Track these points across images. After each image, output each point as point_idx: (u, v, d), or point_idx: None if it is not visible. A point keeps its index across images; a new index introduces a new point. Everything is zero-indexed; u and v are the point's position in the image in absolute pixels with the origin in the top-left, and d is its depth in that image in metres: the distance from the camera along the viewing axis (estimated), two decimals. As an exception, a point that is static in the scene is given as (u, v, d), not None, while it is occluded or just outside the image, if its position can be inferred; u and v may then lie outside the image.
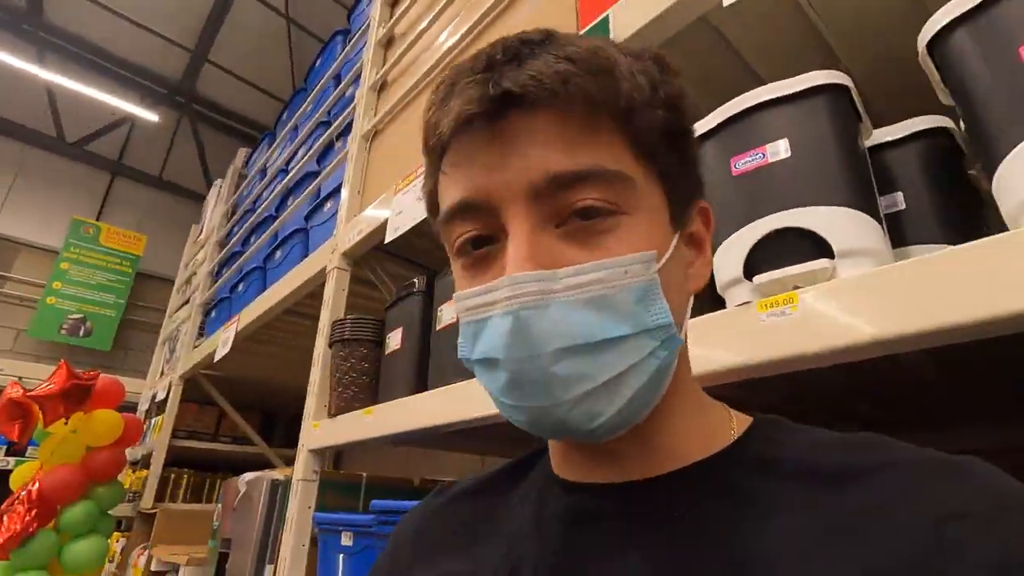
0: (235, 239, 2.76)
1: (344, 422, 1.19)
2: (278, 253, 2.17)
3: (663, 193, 0.36)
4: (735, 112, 0.60)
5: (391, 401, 1.05)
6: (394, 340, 1.16)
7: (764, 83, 0.88)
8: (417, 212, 1.16)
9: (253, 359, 2.61)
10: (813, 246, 0.52)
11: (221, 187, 3.73)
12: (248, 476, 1.63)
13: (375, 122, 1.61)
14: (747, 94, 0.60)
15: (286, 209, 2.28)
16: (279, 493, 1.56)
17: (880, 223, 0.53)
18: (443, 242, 0.39)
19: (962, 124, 0.54)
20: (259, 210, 2.52)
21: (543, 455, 0.44)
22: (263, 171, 2.92)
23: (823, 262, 0.51)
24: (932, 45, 0.51)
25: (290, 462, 2.87)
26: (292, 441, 3.13)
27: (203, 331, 3.04)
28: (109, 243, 4.72)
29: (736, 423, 0.38)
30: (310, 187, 2.01)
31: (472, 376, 0.90)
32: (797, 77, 0.57)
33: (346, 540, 1.10)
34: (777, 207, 0.55)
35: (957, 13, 0.48)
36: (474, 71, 0.34)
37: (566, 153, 0.33)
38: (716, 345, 0.56)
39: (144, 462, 2.99)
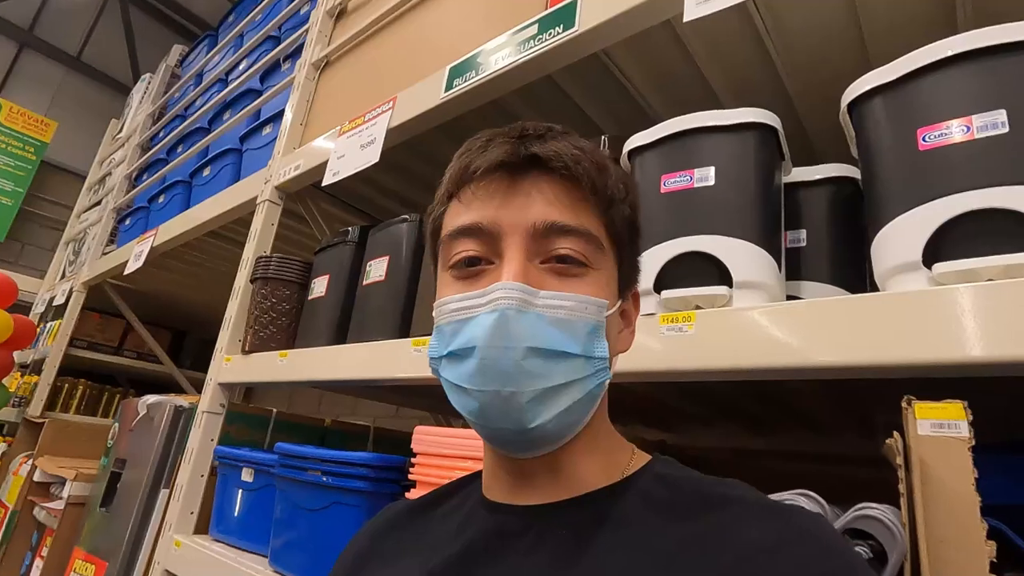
0: (160, 145, 2.56)
1: (257, 361, 1.18)
2: (207, 170, 2.05)
3: (616, 268, 0.45)
4: (675, 131, 0.63)
5: (309, 348, 1.05)
6: (319, 286, 1.14)
7: (717, 98, 0.91)
8: (361, 159, 1.13)
9: (169, 275, 2.48)
10: (717, 273, 0.57)
11: (150, 83, 3.41)
12: (151, 399, 1.59)
13: (328, 51, 1.53)
14: (688, 116, 0.63)
15: (221, 124, 2.14)
16: (182, 420, 1.53)
17: (779, 260, 0.58)
18: (436, 257, 0.48)
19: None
20: (191, 119, 2.34)
21: (476, 479, 0.52)
22: (199, 76, 2.69)
23: (723, 289, 0.56)
24: (852, 105, 0.56)
25: (198, 386, 2.79)
26: (202, 364, 3.04)
27: (114, 238, 2.84)
28: (11, 124, 4.20)
29: (635, 461, 0.46)
30: (250, 106, 1.89)
31: (390, 336, 0.92)
32: (735, 110, 0.61)
33: (247, 476, 1.11)
34: (693, 231, 0.59)
35: (877, 83, 0.52)
36: (508, 136, 0.44)
37: (563, 211, 0.42)
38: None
39: (35, 368, 2.81)
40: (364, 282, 1.02)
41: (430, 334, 0.85)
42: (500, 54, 0.94)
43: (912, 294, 0.46)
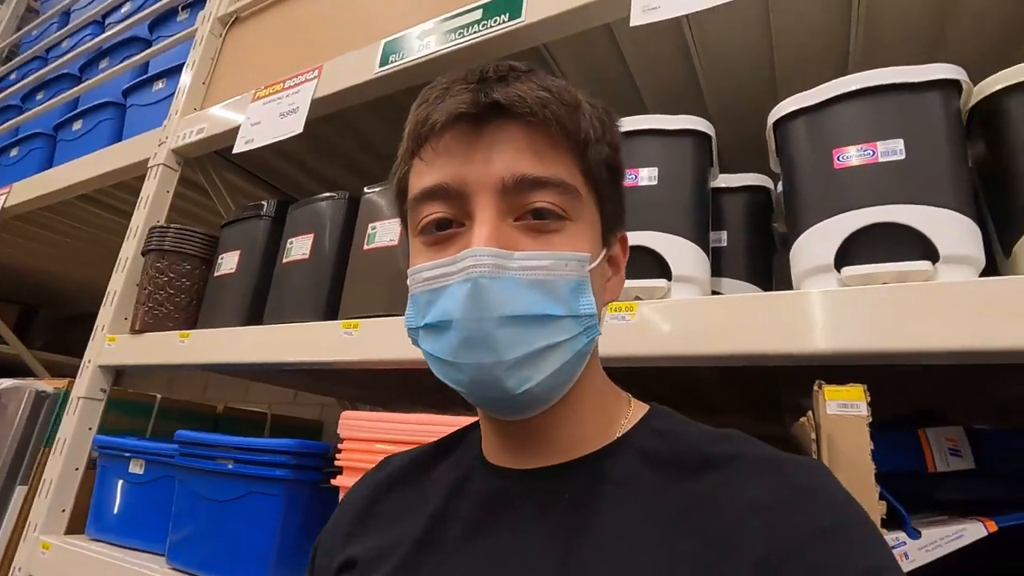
0: (13, 89, 2.20)
1: (152, 342, 1.07)
2: (78, 124, 1.80)
3: (598, 214, 0.43)
4: (624, 130, 0.66)
5: (217, 328, 0.97)
6: (228, 262, 1.06)
7: (645, 105, 0.97)
8: (281, 128, 1.06)
9: (19, 242, 2.15)
10: (657, 266, 0.61)
11: (-4, 14, 2.90)
12: (4, 383, 1.38)
13: (238, 7, 1.40)
14: (636, 118, 0.66)
15: (97, 73, 1.88)
16: (43, 407, 1.35)
17: (708, 257, 0.64)
18: (405, 223, 0.45)
19: (780, 189, 0.67)
20: (56, 63, 2.03)
21: (471, 433, 0.50)
22: (66, 13, 2.34)
23: (662, 282, 0.61)
24: (778, 123, 0.62)
25: (52, 369, 2.46)
26: (58, 345, 2.67)
27: (-54, 194, 2.40)
28: None
29: (633, 412, 0.45)
30: (136, 57, 1.68)
31: (314, 318, 0.88)
32: (678, 117, 0.65)
33: (136, 468, 1.01)
34: (636, 226, 0.63)
35: (800, 106, 0.59)
36: (467, 81, 0.40)
37: (533, 162, 0.39)
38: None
39: None
40: (284, 260, 0.97)
41: (362, 317, 0.83)
42: (439, 35, 0.93)
43: (825, 293, 0.53)
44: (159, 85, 1.59)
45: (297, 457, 0.81)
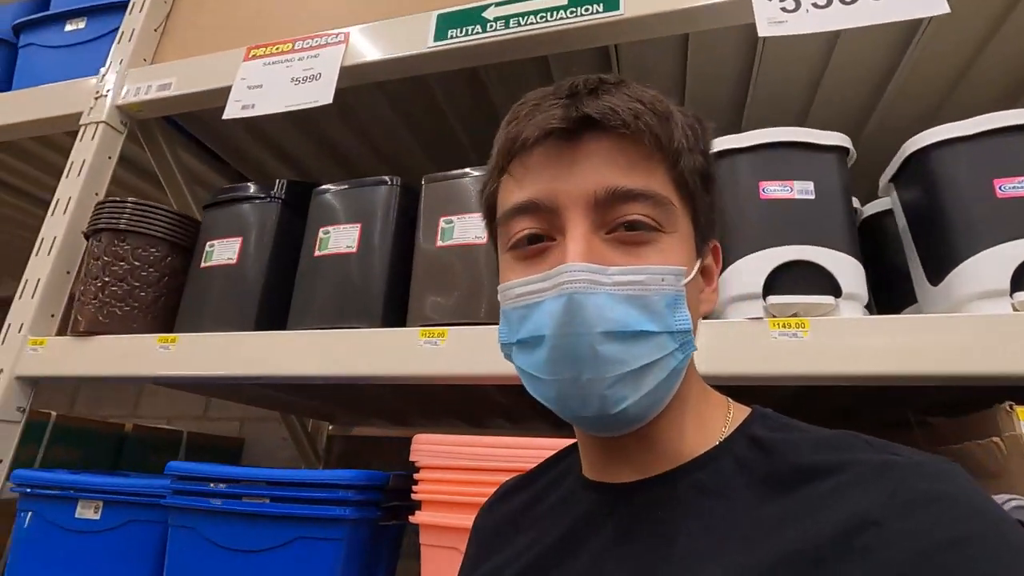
0: None
1: (111, 347, 0.83)
2: (-69, 59, 1.38)
3: (692, 225, 0.42)
4: (771, 140, 0.65)
5: (224, 332, 0.78)
6: (223, 251, 0.86)
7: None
8: (298, 96, 0.89)
9: None
10: (820, 282, 0.60)
11: None
12: None
13: (204, -53, 1.17)
14: (784, 129, 0.65)
15: (-38, -1, 1.47)
16: None
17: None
18: (494, 239, 0.45)
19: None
20: None
21: (575, 452, 0.49)
22: None
23: (829, 298, 0.59)
24: (920, 152, 0.64)
25: None
26: None
27: None
28: None
29: (733, 418, 0.43)
30: (34, -14, 1.34)
31: (370, 323, 0.74)
32: (825, 132, 0.65)
33: (88, 512, 0.78)
34: (797, 240, 0.61)
35: (955, 135, 0.61)
36: (557, 96, 0.40)
37: (625, 174, 0.39)
38: (724, 350, 0.59)
39: None
40: (318, 252, 0.80)
41: (430, 324, 0.72)
42: (514, 16, 0.84)
43: (994, 316, 0.56)
44: (75, 26, 1.28)
45: (361, 491, 0.67)
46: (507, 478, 0.66)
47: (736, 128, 1.11)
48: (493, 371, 0.68)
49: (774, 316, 0.60)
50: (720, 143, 0.67)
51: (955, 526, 0.29)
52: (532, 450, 0.68)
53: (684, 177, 0.41)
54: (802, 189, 0.63)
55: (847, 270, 0.60)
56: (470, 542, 0.54)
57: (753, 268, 0.61)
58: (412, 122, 1.18)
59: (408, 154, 1.28)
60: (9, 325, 0.89)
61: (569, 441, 0.52)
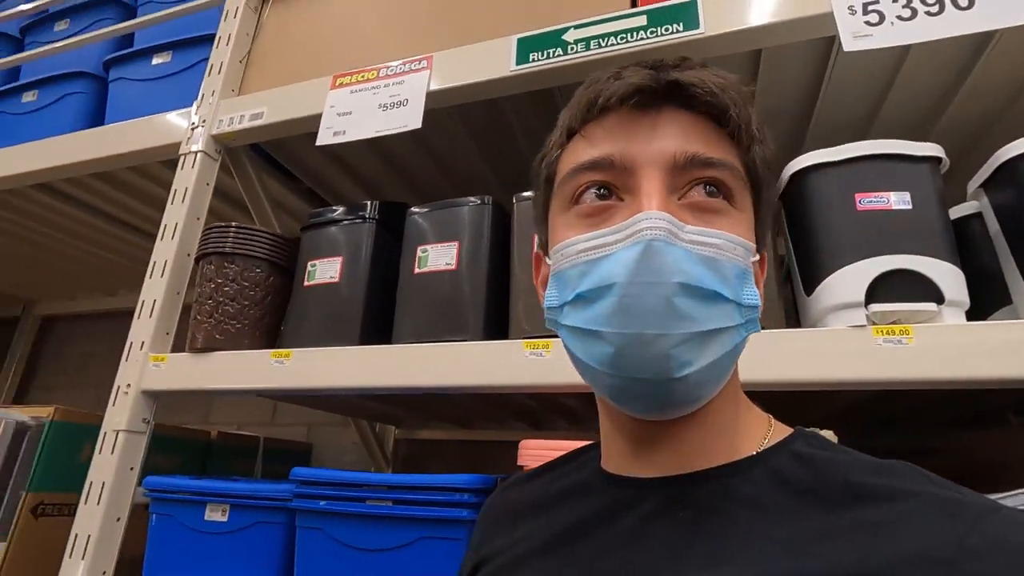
0: (-89, 46, 1.78)
1: (227, 362, 0.90)
2: (30, 96, 1.50)
3: (754, 215, 0.41)
4: (865, 154, 0.67)
5: (335, 347, 0.84)
6: (326, 270, 0.92)
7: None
8: (388, 121, 0.95)
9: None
10: (922, 290, 0.62)
11: None
12: (-34, 414, 1.10)
13: (281, -19, 1.24)
14: (876, 142, 0.67)
15: (52, 37, 1.59)
16: (24, 443, 1.10)
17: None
18: (548, 202, 0.43)
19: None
20: (-16, 20, 1.67)
21: (593, 449, 0.48)
22: (-18, -38, 1.94)
23: (932, 306, 0.61)
24: (1016, 159, 0.66)
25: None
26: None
27: None
28: None
29: (773, 433, 0.41)
30: (118, 25, 1.43)
31: (473, 336, 0.79)
32: (919, 143, 0.67)
33: (215, 514, 0.84)
34: (896, 250, 0.63)
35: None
36: (641, 66, 0.39)
37: (703, 142, 0.38)
38: (826, 357, 0.62)
39: None
40: (418, 270, 0.86)
41: (534, 336, 0.76)
42: (593, 38, 0.88)
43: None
44: (161, 59, 1.37)
45: (476, 494, 0.72)
46: None
47: (801, 139, 1.13)
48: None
49: (876, 324, 0.63)
50: (812, 158, 0.70)
51: None
52: None
53: (755, 164, 0.40)
54: (899, 200, 0.65)
55: (948, 277, 0.62)
56: (476, 527, 0.53)
57: (854, 278, 0.63)
58: (481, 142, 1.23)
59: (476, 174, 1.33)
60: (131, 343, 0.97)
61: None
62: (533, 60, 0.91)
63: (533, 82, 0.93)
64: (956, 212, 0.81)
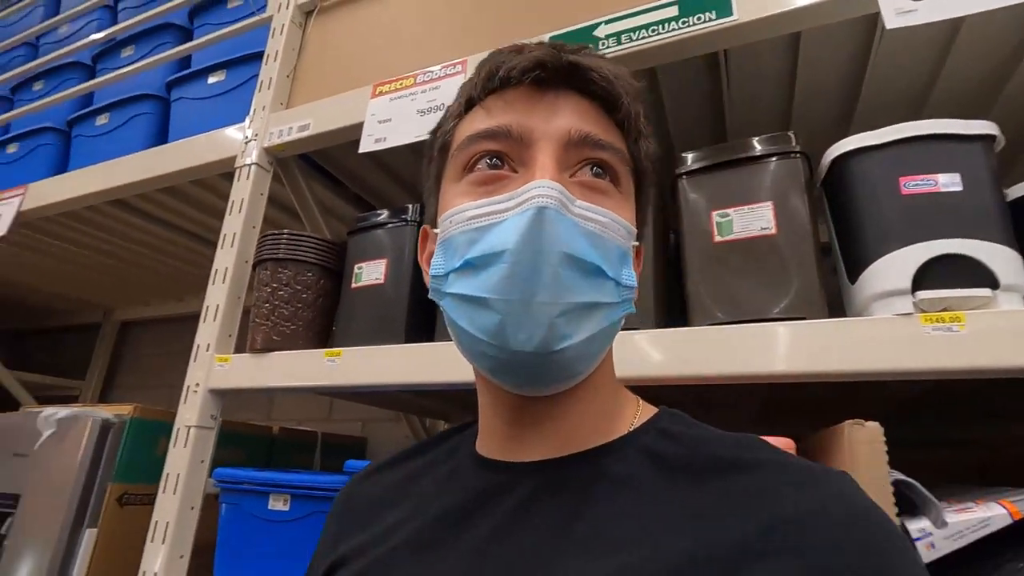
0: (2, 78, 1.96)
1: (285, 362, 0.96)
2: (103, 119, 1.62)
3: (634, 207, 0.43)
4: (910, 135, 0.64)
5: (383, 345, 0.88)
6: (371, 272, 0.96)
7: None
8: (422, 127, 0.97)
9: (12, 251, 1.91)
10: (972, 275, 0.60)
11: (-46, -5, 2.60)
12: (59, 412, 1.21)
13: (323, -4, 1.29)
14: (923, 123, 0.65)
15: (119, 63, 1.71)
16: (108, 439, 1.20)
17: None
18: (441, 172, 0.43)
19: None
20: (58, 53, 1.82)
21: (469, 428, 0.48)
22: (57, -3, 2.11)
23: (986, 291, 0.59)
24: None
25: (37, 390, 2.21)
26: (40, 363, 2.41)
27: (-91, 196, 2.11)
28: None
29: (641, 414, 0.43)
30: (179, 48, 1.53)
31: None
32: (970, 121, 0.64)
33: (278, 504, 0.90)
34: (945, 234, 0.61)
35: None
36: (540, 45, 0.40)
37: (596, 127, 0.39)
38: (871, 347, 0.60)
39: None
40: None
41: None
42: (626, 32, 0.88)
43: None
44: (216, 77, 1.45)
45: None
46: None
47: (847, 123, 1.09)
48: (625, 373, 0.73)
49: (924, 311, 0.60)
50: (852, 142, 0.68)
51: (865, 530, 0.31)
52: None
53: (640, 156, 0.42)
54: (948, 182, 0.62)
55: (1004, 261, 0.59)
56: (328, 521, 0.50)
57: (899, 264, 0.61)
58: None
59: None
60: (198, 345, 1.05)
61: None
62: (565, 58, 0.92)
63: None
64: (1015, 192, 0.77)
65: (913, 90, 1.01)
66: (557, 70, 0.39)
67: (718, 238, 0.71)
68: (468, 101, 0.42)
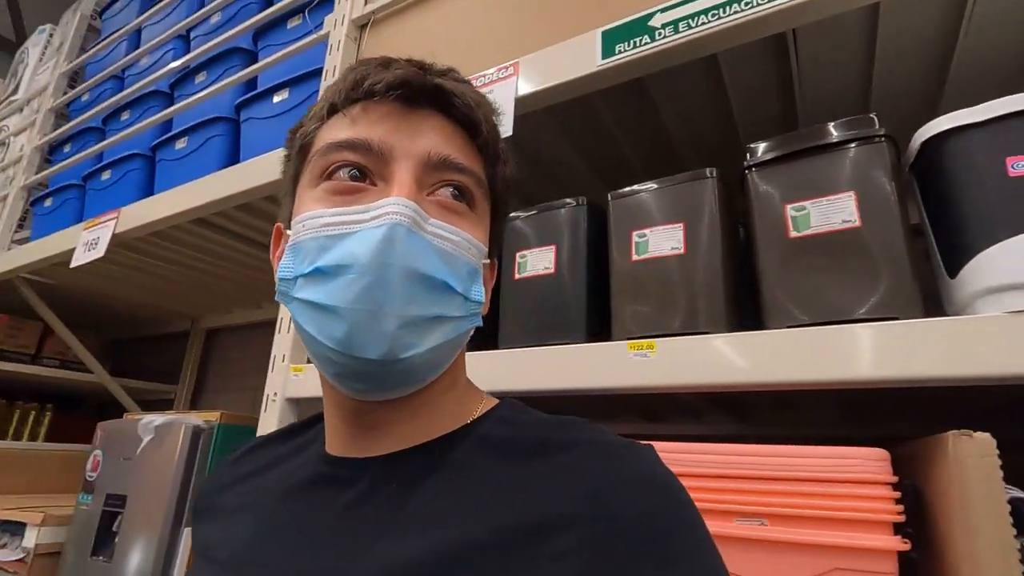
0: (93, 112, 2.13)
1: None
2: (182, 142, 1.73)
3: (489, 228, 0.45)
4: (1012, 110, 0.58)
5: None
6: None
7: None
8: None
9: (112, 269, 2.08)
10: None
11: (52, 36, 2.86)
12: (157, 419, 1.31)
13: (375, 7, 1.32)
14: (1014, 97, 0.57)
15: (193, 89, 1.82)
16: (200, 443, 1.29)
17: None
18: (295, 178, 0.44)
19: None
20: (140, 84, 1.96)
21: (309, 429, 0.50)
22: (137, 32, 2.27)
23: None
24: None
25: (137, 395, 2.40)
26: (139, 370, 2.61)
27: (24, 222, 2.35)
28: None
29: (483, 407, 0.45)
30: (246, 71, 1.61)
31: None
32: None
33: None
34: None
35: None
36: (410, 64, 0.42)
37: (456, 150, 0.41)
38: (978, 349, 0.54)
39: (-82, 384, 2.26)
40: (516, 276, 0.88)
41: (638, 336, 0.75)
42: (680, 22, 0.84)
43: None
44: (281, 96, 1.52)
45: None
46: (715, 484, 0.68)
47: (932, 108, 0.99)
48: (704, 380, 0.69)
49: (1043, 307, 0.54)
50: (948, 120, 0.62)
51: (656, 498, 0.35)
52: (736, 456, 0.68)
53: (497, 180, 0.44)
54: (1065, 160, 0.55)
55: None
56: (202, 488, 0.54)
57: (1009, 256, 0.55)
58: (576, 140, 1.22)
59: (574, 172, 1.32)
60: (275, 356, 1.10)
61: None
62: (620, 52, 0.89)
63: (621, 74, 0.91)
64: None
65: (1012, 64, 0.90)
66: (422, 91, 0.41)
67: (794, 233, 0.67)
68: (331, 107, 0.42)
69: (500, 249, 0.49)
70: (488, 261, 0.44)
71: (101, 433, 1.42)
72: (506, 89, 0.99)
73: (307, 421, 0.52)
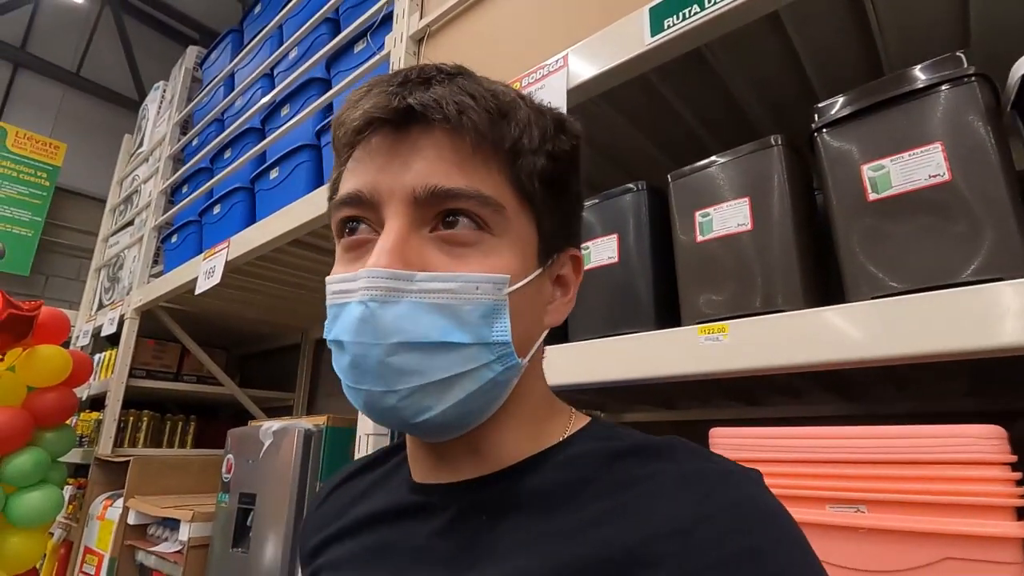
0: (202, 154, 2.38)
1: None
2: (274, 173, 1.89)
3: (535, 230, 0.40)
4: None
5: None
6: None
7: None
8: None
9: (230, 292, 2.32)
10: None
11: (165, 91, 3.22)
12: (274, 425, 1.45)
13: (430, 20, 1.36)
14: None
15: (280, 122, 1.97)
16: (311, 444, 1.40)
17: None
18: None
19: None
20: (239, 122, 2.16)
21: (401, 452, 0.49)
22: (231, 76, 2.51)
23: None
24: None
25: (262, 403, 2.65)
26: (262, 381, 2.88)
27: (158, 258, 2.68)
28: (19, 149, 3.94)
29: (572, 425, 0.42)
30: (321, 98, 1.72)
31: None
32: None
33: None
34: None
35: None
36: (389, 84, 0.38)
37: (448, 173, 0.36)
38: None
39: (92, 403, 2.66)
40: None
41: (709, 319, 0.72)
42: (732, -18, 0.79)
43: None
44: (354, 118, 1.61)
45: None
46: (804, 469, 0.64)
47: None
48: (787, 361, 0.65)
49: None
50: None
51: (753, 535, 0.31)
52: (830, 439, 0.64)
53: (522, 179, 0.38)
54: None
55: None
56: (312, 510, 0.53)
57: None
58: (638, 121, 1.19)
59: (640, 154, 1.29)
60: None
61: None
62: (669, 27, 0.85)
63: (673, 49, 0.87)
64: None
65: None
66: (396, 121, 0.37)
67: (872, 196, 0.61)
68: (338, 155, 0.41)
69: (577, 236, 0.44)
70: (530, 277, 0.39)
71: (231, 439, 1.60)
72: (557, 82, 0.99)
73: (394, 447, 0.52)
